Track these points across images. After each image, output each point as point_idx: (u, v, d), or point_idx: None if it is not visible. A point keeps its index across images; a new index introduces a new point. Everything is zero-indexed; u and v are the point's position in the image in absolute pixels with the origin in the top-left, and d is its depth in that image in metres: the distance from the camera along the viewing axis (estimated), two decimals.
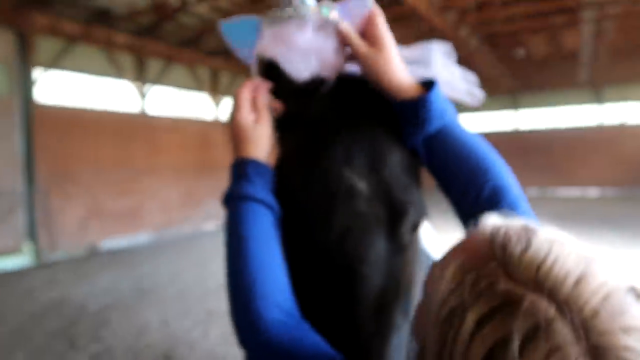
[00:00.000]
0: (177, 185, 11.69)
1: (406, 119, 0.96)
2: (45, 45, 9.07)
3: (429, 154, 0.96)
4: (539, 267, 0.51)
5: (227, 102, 13.95)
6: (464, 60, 13.96)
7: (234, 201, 0.93)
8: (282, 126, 1.05)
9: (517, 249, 0.54)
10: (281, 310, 0.81)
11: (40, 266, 8.02)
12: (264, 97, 1.02)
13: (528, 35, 11.93)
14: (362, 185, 0.92)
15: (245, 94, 1.01)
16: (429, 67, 1.12)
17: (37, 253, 8.63)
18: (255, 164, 0.96)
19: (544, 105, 19.89)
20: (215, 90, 13.37)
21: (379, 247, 0.90)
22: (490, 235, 0.58)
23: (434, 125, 0.94)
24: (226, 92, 13.85)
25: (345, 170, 0.93)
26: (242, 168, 0.96)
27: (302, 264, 0.93)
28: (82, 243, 9.41)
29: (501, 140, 19.89)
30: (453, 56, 1.19)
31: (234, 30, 1.03)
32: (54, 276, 7.20)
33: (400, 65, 0.98)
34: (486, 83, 18.39)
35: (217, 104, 13.42)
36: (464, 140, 0.94)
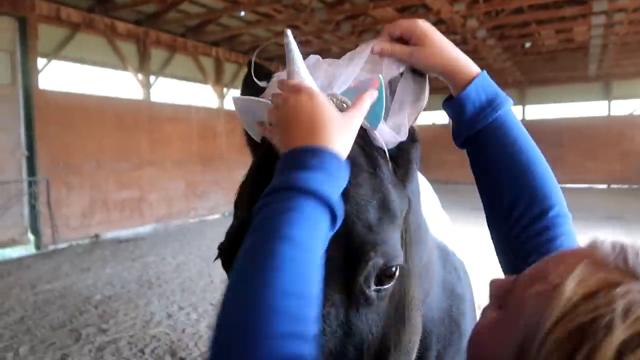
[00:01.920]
0: (180, 176, 11.60)
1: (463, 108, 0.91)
2: (48, 33, 8.96)
3: (475, 152, 0.92)
4: None
5: (231, 94, 13.83)
6: (471, 52, 13.82)
7: (289, 192, 0.67)
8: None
9: None
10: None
11: (44, 257, 7.96)
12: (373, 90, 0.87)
13: (537, 27, 11.76)
14: None
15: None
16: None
17: (40, 244, 8.57)
18: (338, 159, 0.71)
19: (551, 101, 19.68)
20: (219, 82, 13.24)
21: (333, 301, 0.74)
22: (618, 250, 0.53)
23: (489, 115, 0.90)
24: (230, 84, 13.73)
25: None
26: (317, 157, 0.70)
27: None
28: (85, 234, 9.35)
29: None
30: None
31: (241, 104, 0.95)
32: (58, 267, 7.13)
33: (451, 48, 0.92)
34: (492, 76, 18.20)
35: (221, 95, 13.30)
36: (514, 139, 0.90)
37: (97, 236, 9.50)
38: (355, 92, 0.86)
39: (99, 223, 9.63)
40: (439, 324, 1.14)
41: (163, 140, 11.16)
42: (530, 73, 17.99)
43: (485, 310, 0.67)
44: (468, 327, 1.18)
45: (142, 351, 4.10)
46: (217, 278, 6.22)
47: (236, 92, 14.43)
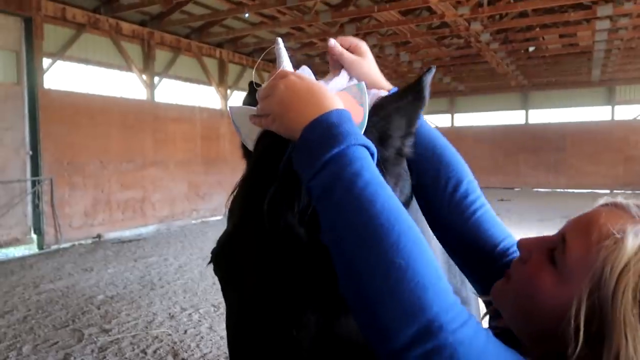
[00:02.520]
0: (183, 177, 11.63)
1: None
2: (54, 33, 9.00)
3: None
4: None
5: (235, 95, 13.85)
6: (475, 56, 13.82)
7: (352, 148, 0.68)
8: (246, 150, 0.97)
9: None
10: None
11: (46, 256, 7.97)
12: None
13: (541, 31, 11.76)
14: (301, 230, 0.76)
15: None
16: None
17: (43, 243, 8.59)
18: (349, 115, 0.74)
19: (554, 105, 19.64)
20: (223, 83, 13.27)
21: (316, 306, 0.76)
22: None
23: None
24: (234, 85, 13.76)
25: (284, 208, 0.77)
26: (346, 117, 0.73)
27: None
28: (88, 234, 9.37)
29: (511, 135, 19.81)
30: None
31: (236, 114, 0.96)
32: (60, 267, 7.15)
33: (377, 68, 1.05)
34: (496, 81, 18.22)
35: (224, 96, 13.32)
36: (428, 133, 1.05)
37: (99, 236, 9.52)
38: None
39: (101, 223, 9.65)
40: None
41: (166, 141, 11.19)
42: (533, 77, 17.97)
43: (515, 264, 0.81)
44: None
45: (144, 352, 4.10)
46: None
47: (240, 94, 14.45)
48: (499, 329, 0.78)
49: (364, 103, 0.86)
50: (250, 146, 0.95)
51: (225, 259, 0.87)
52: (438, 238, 1.03)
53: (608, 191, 18.16)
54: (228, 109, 0.99)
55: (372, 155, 0.71)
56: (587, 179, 18.37)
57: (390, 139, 0.87)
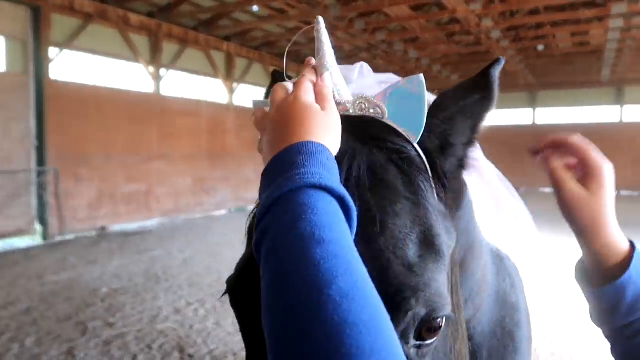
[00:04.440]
0: (188, 171, 11.56)
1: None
2: (61, 23, 8.92)
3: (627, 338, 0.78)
4: None
5: (241, 89, 13.76)
6: (484, 53, 13.68)
7: (299, 191, 0.55)
8: None
9: None
10: None
11: (50, 248, 7.92)
12: (330, 88, 0.74)
13: (552, 29, 11.61)
14: None
15: (309, 77, 0.74)
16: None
17: (47, 234, 8.54)
18: (330, 154, 0.63)
19: (562, 104, 19.47)
20: (230, 76, 13.17)
21: None
22: None
23: None
24: (241, 79, 13.66)
25: None
26: (313, 151, 0.60)
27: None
28: (92, 226, 9.31)
29: (518, 135, 19.67)
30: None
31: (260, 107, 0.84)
32: (64, 258, 7.09)
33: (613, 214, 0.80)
34: (504, 79, 18.07)
35: (231, 90, 13.23)
36: None
37: (103, 228, 9.46)
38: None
39: (106, 215, 9.59)
40: (491, 337, 1.03)
41: (173, 134, 11.11)
42: (542, 76, 17.81)
43: None
44: (524, 339, 1.08)
45: (149, 347, 4.03)
46: (225, 275, 6.14)
47: (247, 88, 14.33)
48: None
49: (422, 100, 0.72)
50: None
51: (244, 290, 0.69)
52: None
53: (616, 192, 18.00)
54: (252, 102, 0.86)
55: (339, 198, 0.56)
56: None
57: (453, 147, 0.74)
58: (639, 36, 11.56)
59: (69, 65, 9.31)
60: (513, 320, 1.08)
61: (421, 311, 0.60)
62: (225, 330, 4.39)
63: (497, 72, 0.76)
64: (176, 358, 3.84)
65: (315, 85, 0.72)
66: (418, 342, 0.62)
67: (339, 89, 0.75)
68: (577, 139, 0.80)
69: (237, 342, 4.11)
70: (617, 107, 18.64)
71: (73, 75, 9.33)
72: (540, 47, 13.29)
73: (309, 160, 0.58)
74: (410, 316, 0.60)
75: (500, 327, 1.06)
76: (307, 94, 0.68)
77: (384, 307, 0.49)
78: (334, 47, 0.79)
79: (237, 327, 4.45)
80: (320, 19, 0.78)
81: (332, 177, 0.58)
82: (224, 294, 0.73)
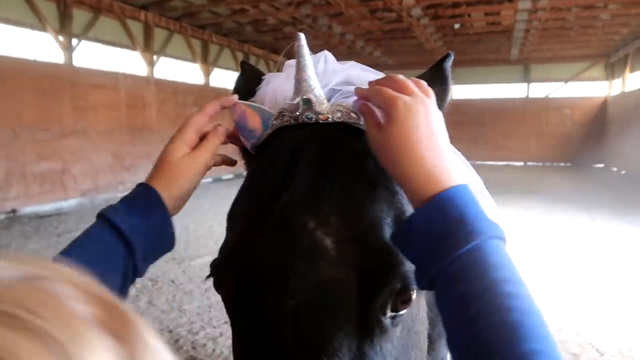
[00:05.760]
0: (107, 147, 10.96)
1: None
2: None
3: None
4: None
5: (162, 62, 13.15)
6: (405, 30, 14.09)
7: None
8: (248, 153, 0.93)
9: None
10: None
11: None
12: (218, 127, 0.93)
13: (467, 9, 12.18)
14: (328, 242, 0.70)
15: (198, 119, 0.92)
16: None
17: None
18: (144, 190, 0.89)
19: (476, 81, 20.64)
20: (149, 48, 12.54)
21: (346, 331, 0.66)
22: None
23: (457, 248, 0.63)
24: (161, 51, 13.05)
25: (308, 218, 0.71)
26: (132, 192, 0.88)
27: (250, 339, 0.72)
28: (1, 208, 8.62)
29: None
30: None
31: (250, 114, 0.89)
32: None
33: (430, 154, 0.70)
34: (422, 55, 18.74)
35: (151, 62, 12.60)
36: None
37: (14, 211, 8.80)
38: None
39: (16, 197, 8.91)
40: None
41: (87, 109, 10.44)
42: (458, 54, 18.65)
43: None
44: None
45: None
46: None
47: (168, 60, 13.70)
48: None
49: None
50: (249, 146, 0.90)
51: (235, 271, 0.74)
52: None
53: (522, 163, 19.56)
54: (232, 108, 0.90)
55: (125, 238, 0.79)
56: (503, 152, 19.66)
57: None
58: (544, 18, 12.46)
59: None
60: None
61: (397, 285, 0.69)
62: (159, 308, 4.33)
63: (449, 65, 0.85)
64: None
65: (204, 123, 0.94)
66: (393, 313, 0.70)
67: (320, 100, 0.82)
68: (372, 88, 0.76)
69: (172, 320, 4.08)
70: (524, 84, 20.10)
71: None
72: (457, 26, 13.93)
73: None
74: (388, 290, 0.69)
75: None
76: (178, 143, 0.94)
77: (369, 284, 0.65)
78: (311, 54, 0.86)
79: (172, 304, 4.40)
80: (301, 35, 0.84)
81: (121, 209, 0.85)
82: (208, 277, 0.79)
